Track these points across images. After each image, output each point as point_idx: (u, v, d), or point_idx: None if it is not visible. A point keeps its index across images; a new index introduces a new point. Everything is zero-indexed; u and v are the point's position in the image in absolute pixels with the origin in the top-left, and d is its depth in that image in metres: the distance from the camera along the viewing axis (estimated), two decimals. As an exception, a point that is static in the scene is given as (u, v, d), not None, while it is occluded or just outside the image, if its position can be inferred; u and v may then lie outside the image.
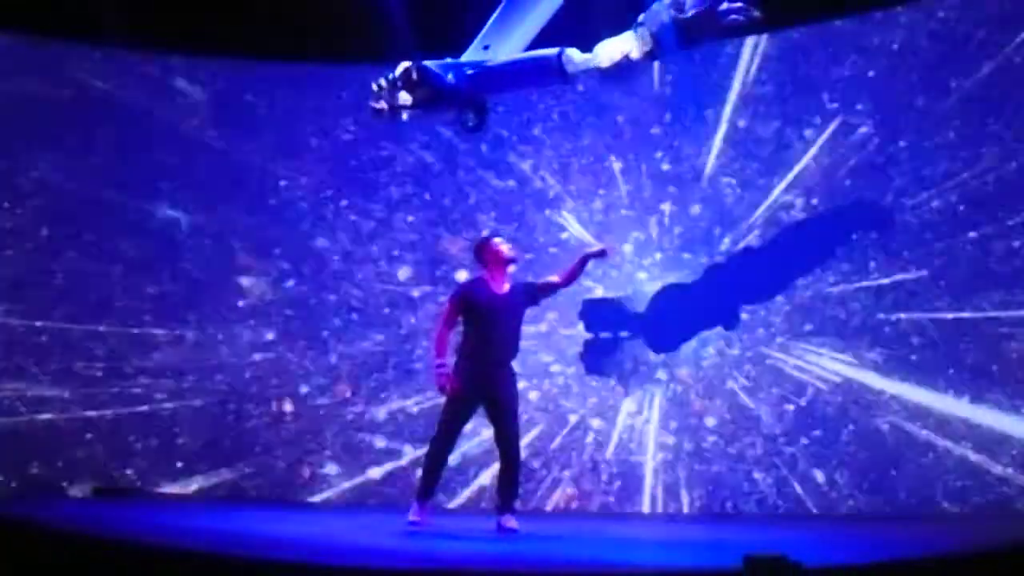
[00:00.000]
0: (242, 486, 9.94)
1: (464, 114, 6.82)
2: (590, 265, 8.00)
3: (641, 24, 6.41)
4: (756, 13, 6.21)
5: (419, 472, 7.73)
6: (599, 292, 9.73)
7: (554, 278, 7.90)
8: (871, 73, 9.10)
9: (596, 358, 9.75)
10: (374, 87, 6.69)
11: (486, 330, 7.54)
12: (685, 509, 9.11)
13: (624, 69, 6.61)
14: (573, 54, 6.61)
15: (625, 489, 9.37)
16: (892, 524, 8.04)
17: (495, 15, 6.62)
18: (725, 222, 9.53)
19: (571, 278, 7.86)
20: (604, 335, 9.80)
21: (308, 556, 5.88)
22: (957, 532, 7.37)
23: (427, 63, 6.67)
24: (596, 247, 8.03)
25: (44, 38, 10.03)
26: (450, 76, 6.76)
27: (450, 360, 7.57)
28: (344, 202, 10.40)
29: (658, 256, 9.74)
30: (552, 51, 6.65)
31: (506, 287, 7.73)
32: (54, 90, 10.15)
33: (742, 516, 8.88)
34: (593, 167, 9.96)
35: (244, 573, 5.39)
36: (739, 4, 6.19)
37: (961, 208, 8.63)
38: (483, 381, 7.49)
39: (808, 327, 9.13)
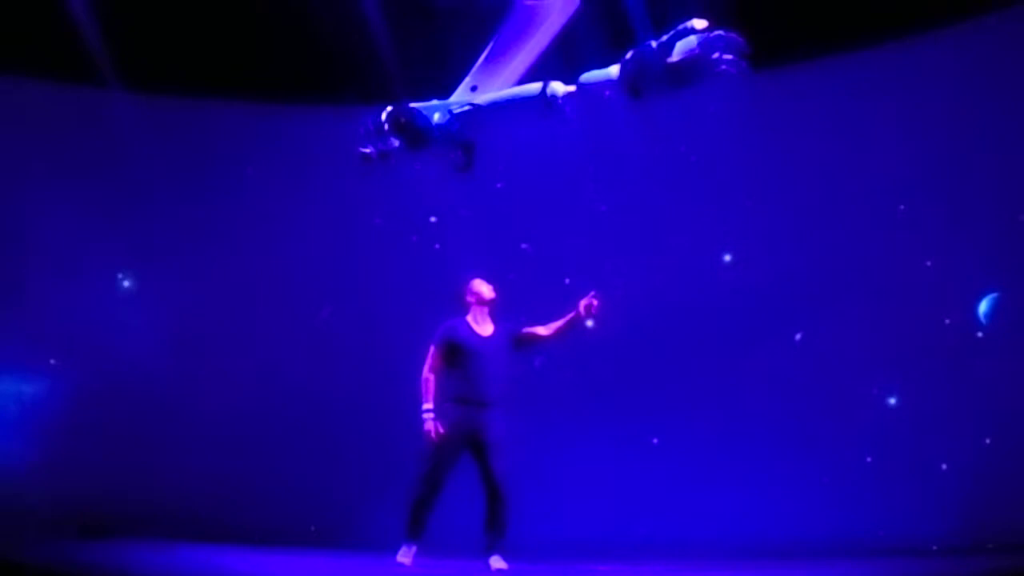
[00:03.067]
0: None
1: (452, 154, 6.74)
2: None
3: (627, 61, 6.36)
4: (746, 65, 6.15)
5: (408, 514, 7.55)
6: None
7: (541, 330, 7.77)
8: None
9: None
10: (361, 131, 6.61)
11: (470, 371, 7.49)
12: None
13: (606, 103, 6.56)
14: (556, 86, 6.54)
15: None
16: None
17: (482, 56, 6.55)
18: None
19: (559, 335, 7.72)
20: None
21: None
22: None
23: (413, 105, 6.59)
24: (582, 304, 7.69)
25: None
26: (437, 117, 6.68)
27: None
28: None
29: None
30: (537, 85, 6.59)
31: (490, 328, 7.70)
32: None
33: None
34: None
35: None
36: (730, 57, 6.12)
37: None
38: (468, 424, 7.42)
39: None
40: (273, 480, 10.05)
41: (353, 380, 10.32)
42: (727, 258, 10.31)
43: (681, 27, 6.22)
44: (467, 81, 6.60)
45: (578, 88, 6.51)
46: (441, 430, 7.40)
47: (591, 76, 6.51)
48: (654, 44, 6.28)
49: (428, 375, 7.57)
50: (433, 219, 10.67)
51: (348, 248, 10.70)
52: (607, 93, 6.47)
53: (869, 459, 9.45)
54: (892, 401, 9.60)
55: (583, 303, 7.62)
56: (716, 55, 6.05)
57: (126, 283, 10.61)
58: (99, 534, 8.94)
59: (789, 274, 9.94)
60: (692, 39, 6.17)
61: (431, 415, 7.44)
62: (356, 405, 10.24)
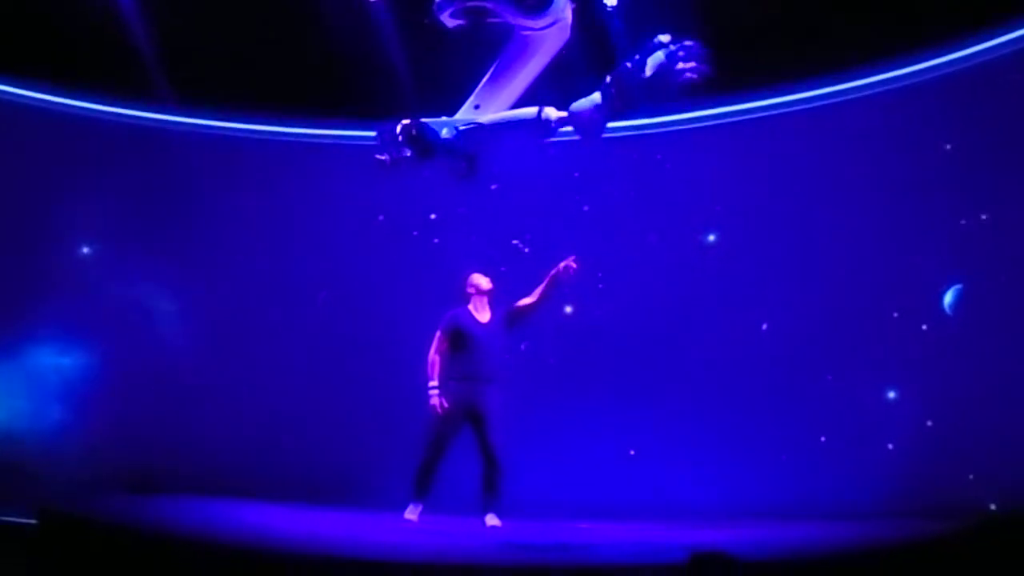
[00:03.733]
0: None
1: (456, 164, 7.53)
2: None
3: (609, 84, 7.08)
4: (707, 70, 6.77)
5: (415, 476, 8.52)
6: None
7: (527, 300, 8.69)
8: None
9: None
10: (376, 140, 7.39)
11: (470, 354, 8.52)
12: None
13: (597, 125, 7.28)
14: (550, 112, 7.30)
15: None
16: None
17: (485, 78, 7.33)
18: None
19: (543, 299, 8.63)
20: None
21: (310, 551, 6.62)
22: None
23: (424, 120, 7.39)
24: (561, 265, 8.61)
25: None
26: (444, 132, 7.46)
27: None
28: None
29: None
30: (533, 110, 7.36)
31: (488, 315, 8.70)
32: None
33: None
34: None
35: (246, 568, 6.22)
36: (692, 64, 6.82)
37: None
38: (468, 399, 8.44)
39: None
40: (294, 446, 11.02)
41: (361, 360, 11.25)
42: (710, 238, 11.21)
43: (650, 44, 6.93)
44: (471, 100, 7.35)
45: (569, 115, 7.25)
46: (446, 404, 8.40)
47: (579, 104, 7.24)
48: (629, 65, 6.97)
49: (434, 357, 8.59)
50: (433, 216, 11.57)
51: (355, 243, 11.58)
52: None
53: (823, 438, 10.29)
54: (834, 382, 10.44)
55: (562, 264, 8.55)
56: (680, 65, 6.76)
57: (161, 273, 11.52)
58: (144, 491, 9.86)
59: (762, 264, 10.80)
60: (659, 53, 6.79)
61: (436, 391, 8.47)
62: (364, 382, 11.19)
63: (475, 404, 8.49)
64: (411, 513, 8.46)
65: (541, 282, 8.65)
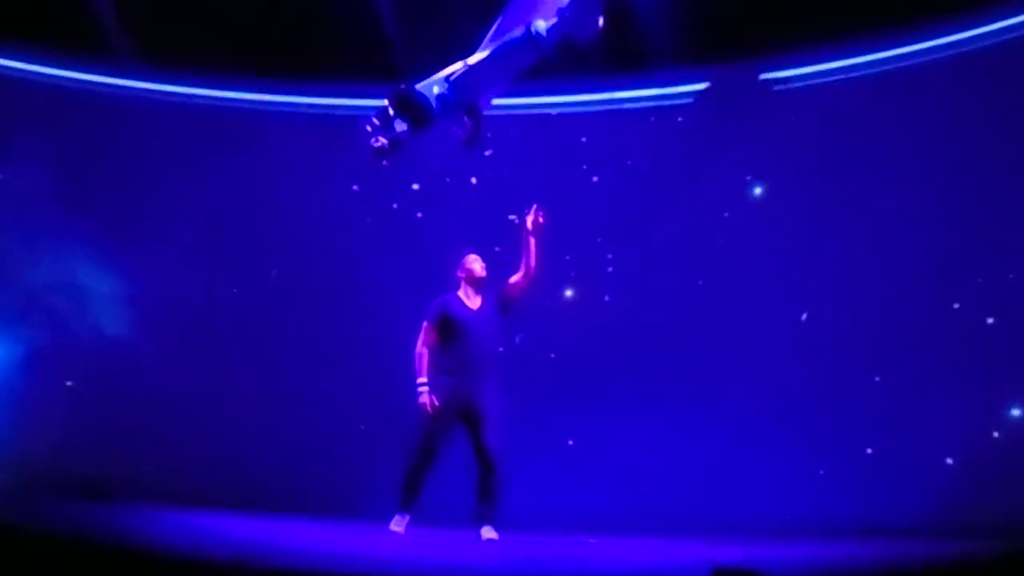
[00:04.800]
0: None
1: (459, 124, 8.19)
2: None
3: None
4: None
5: (402, 484, 9.15)
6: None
7: (515, 279, 9.34)
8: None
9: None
10: (368, 128, 8.06)
11: (462, 346, 9.21)
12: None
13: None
14: (539, 24, 7.94)
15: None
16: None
17: (486, 39, 8.03)
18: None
19: (528, 265, 9.25)
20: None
21: (294, 564, 7.03)
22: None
23: (412, 85, 8.06)
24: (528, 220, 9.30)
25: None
26: (436, 89, 8.16)
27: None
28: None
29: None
30: (519, 29, 8.03)
31: (479, 303, 9.39)
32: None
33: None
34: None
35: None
36: None
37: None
38: (461, 397, 9.12)
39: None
40: (263, 449, 11.84)
41: (336, 353, 12.11)
42: (725, 214, 11.90)
43: None
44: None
45: (558, 17, 7.90)
46: (436, 403, 9.11)
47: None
48: None
49: (422, 349, 9.28)
50: (416, 187, 12.34)
51: (326, 218, 12.39)
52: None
53: (869, 450, 11.02)
54: (883, 384, 11.06)
55: (528, 220, 9.25)
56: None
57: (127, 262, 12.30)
58: (102, 497, 10.61)
59: (791, 251, 11.51)
60: None
61: (426, 388, 9.15)
62: (340, 376, 12.02)
63: (469, 401, 9.16)
64: (397, 525, 9.08)
65: (521, 255, 9.30)
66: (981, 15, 10.88)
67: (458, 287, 9.53)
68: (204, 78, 12.63)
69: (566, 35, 7.72)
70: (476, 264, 9.52)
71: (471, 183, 12.04)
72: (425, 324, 9.38)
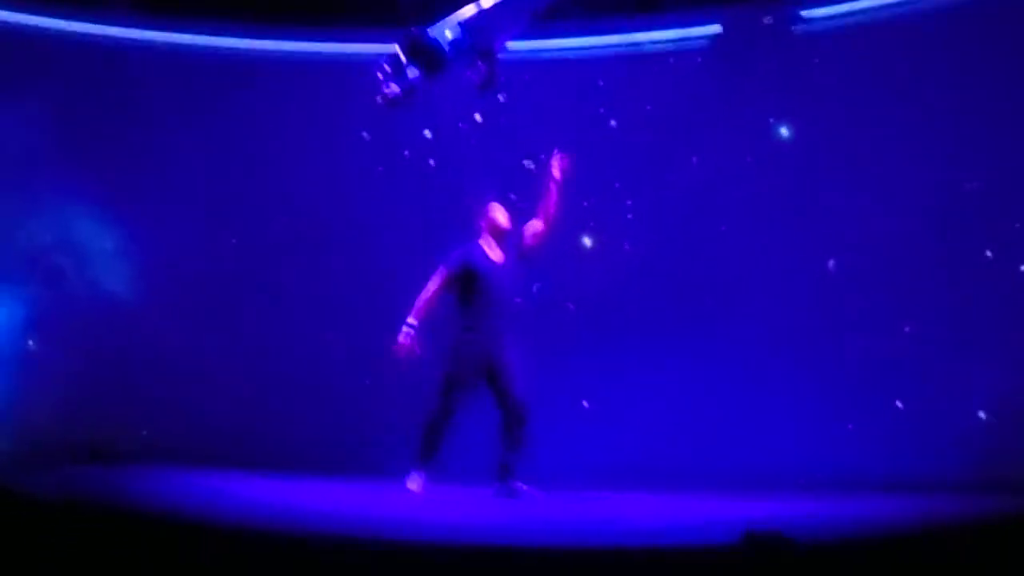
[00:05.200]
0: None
1: (473, 68, 7.99)
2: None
3: None
4: None
5: (419, 440, 8.99)
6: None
7: (533, 224, 9.14)
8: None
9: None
10: (379, 75, 7.84)
11: (485, 301, 8.99)
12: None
13: None
14: None
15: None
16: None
17: None
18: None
19: (548, 212, 9.07)
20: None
21: (305, 526, 6.99)
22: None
23: (423, 29, 7.85)
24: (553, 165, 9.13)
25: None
26: (448, 34, 7.96)
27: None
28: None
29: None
30: None
31: (501, 255, 9.15)
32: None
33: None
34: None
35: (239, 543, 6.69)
36: None
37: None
38: (485, 352, 8.93)
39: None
40: (274, 406, 11.81)
41: (348, 307, 11.99)
42: (747, 159, 11.68)
43: None
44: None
45: None
46: (417, 351, 8.89)
47: None
48: None
49: (431, 294, 8.99)
50: (428, 133, 12.12)
51: (335, 167, 12.22)
52: None
53: (899, 403, 10.80)
54: (913, 335, 10.89)
55: (555, 166, 9.07)
56: None
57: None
58: (109, 459, 10.51)
59: (816, 197, 11.32)
60: None
61: (412, 331, 8.90)
62: (351, 331, 11.88)
63: (492, 356, 8.96)
64: (413, 482, 8.88)
65: (540, 201, 9.13)
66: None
67: (479, 236, 9.26)
68: (205, 25, 12.41)
69: None
70: (500, 214, 9.27)
71: (485, 128, 11.82)
72: (443, 270, 9.10)
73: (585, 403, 11.61)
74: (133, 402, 11.76)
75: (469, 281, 9.05)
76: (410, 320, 8.95)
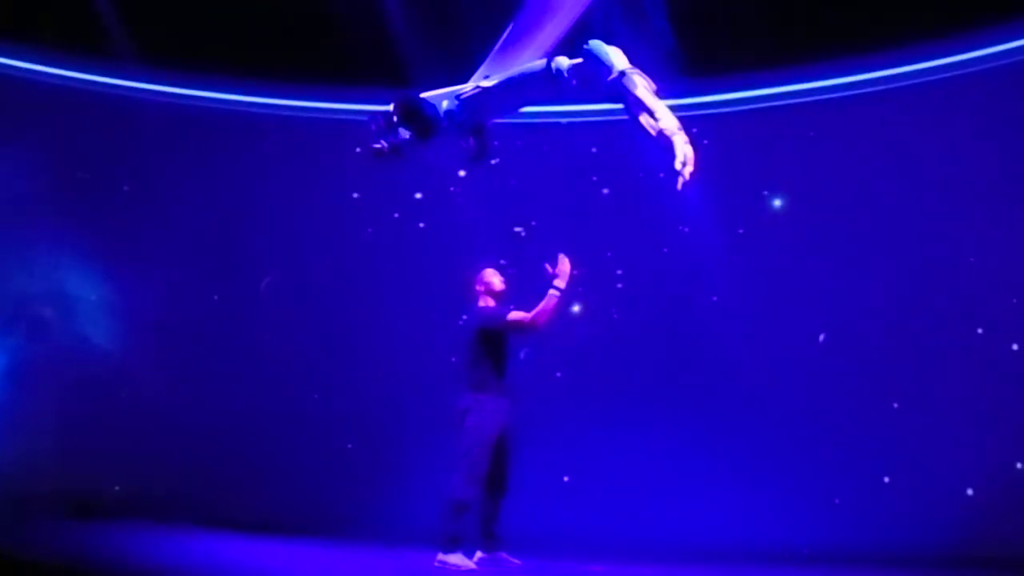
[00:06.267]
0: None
1: (464, 140, 8.17)
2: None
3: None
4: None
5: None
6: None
7: (521, 316, 9.04)
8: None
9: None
10: (372, 127, 8.02)
11: (502, 360, 9.16)
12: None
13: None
14: (561, 60, 7.93)
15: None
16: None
17: (497, 45, 8.00)
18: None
19: (541, 318, 8.95)
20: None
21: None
22: None
23: (421, 95, 8.04)
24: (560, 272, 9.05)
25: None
26: (445, 104, 8.13)
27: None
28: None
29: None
30: (541, 61, 8.02)
31: None
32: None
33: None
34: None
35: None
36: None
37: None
38: (506, 414, 9.05)
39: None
40: (264, 467, 11.87)
41: (334, 365, 12.10)
42: (739, 231, 11.90)
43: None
44: (481, 70, 8.04)
45: (584, 57, 7.87)
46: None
47: (600, 46, 7.87)
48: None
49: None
50: (419, 196, 12.33)
51: (325, 226, 12.39)
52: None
53: (887, 479, 11.00)
54: (902, 411, 11.04)
55: (559, 268, 8.99)
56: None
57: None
58: (91, 516, 10.60)
59: (807, 270, 11.51)
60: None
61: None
62: (338, 390, 12.01)
63: (508, 420, 9.09)
64: (464, 561, 8.75)
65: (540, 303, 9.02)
66: (1000, 32, 10.91)
67: (476, 300, 9.43)
68: (201, 80, 12.65)
69: (585, 78, 7.66)
70: (495, 278, 9.46)
71: (477, 192, 11.98)
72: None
73: (566, 478, 11.71)
74: (112, 457, 11.82)
75: (493, 342, 9.16)
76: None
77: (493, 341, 9.14)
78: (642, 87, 7.17)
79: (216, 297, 12.47)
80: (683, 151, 6.82)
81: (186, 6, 11.59)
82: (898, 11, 10.72)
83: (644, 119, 7.12)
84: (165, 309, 12.23)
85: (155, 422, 11.92)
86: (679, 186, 6.62)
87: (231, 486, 11.70)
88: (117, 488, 11.83)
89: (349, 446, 12.00)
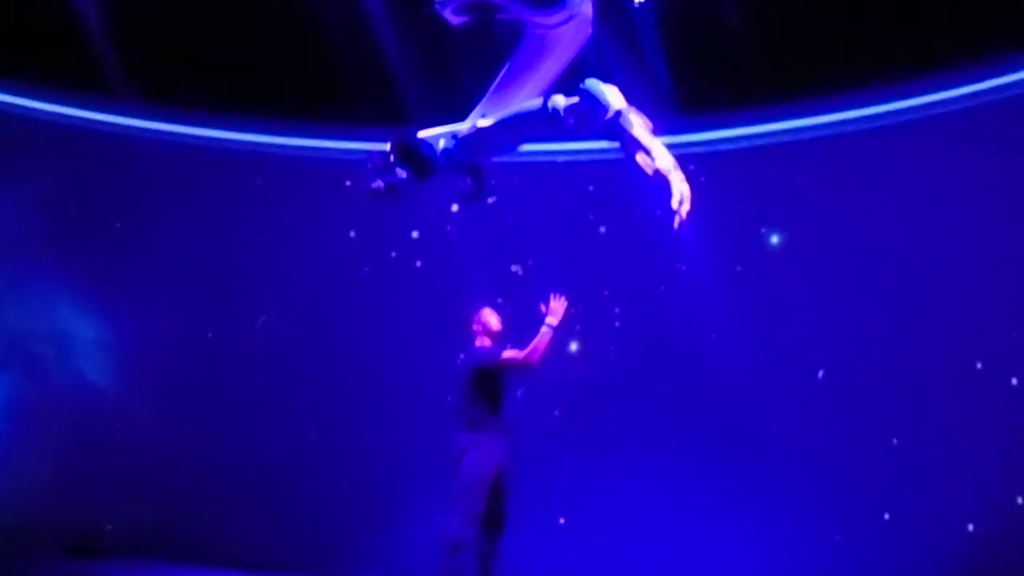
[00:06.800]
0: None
1: (460, 180, 8.25)
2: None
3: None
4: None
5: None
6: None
7: (514, 354, 9.19)
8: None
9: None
10: (368, 166, 8.09)
11: (499, 399, 9.22)
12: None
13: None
14: (558, 99, 7.99)
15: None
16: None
17: (493, 85, 8.09)
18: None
19: (534, 356, 9.09)
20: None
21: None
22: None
23: (418, 134, 8.12)
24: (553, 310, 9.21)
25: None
26: (442, 143, 8.21)
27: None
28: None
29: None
30: (537, 100, 8.08)
31: None
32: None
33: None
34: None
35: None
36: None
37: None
38: (503, 454, 9.12)
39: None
40: (258, 506, 11.92)
41: (328, 405, 12.16)
42: (737, 268, 12.00)
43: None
44: (477, 110, 8.12)
45: (580, 96, 7.92)
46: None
47: (596, 85, 7.93)
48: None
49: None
50: (415, 234, 12.43)
51: (321, 264, 12.48)
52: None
53: (887, 516, 11.03)
54: (902, 447, 11.08)
55: (552, 307, 9.15)
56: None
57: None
58: (85, 553, 10.63)
59: (806, 307, 11.58)
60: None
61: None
62: (334, 430, 12.08)
63: (508, 465, 9.15)
64: None
65: (532, 340, 9.15)
66: (993, 67, 11.02)
67: (474, 340, 9.51)
68: (198, 117, 12.79)
69: (582, 117, 7.70)
70: (492, 317, 9.55)
71: (473, 231, 12.03)
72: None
73: (562, 520, 11.76)
74: (107, 494, 11.83)
75: (491, 383, 9.24)
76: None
77: (488, 380, 9.21)
78: (638, 126, 7.20)
79: (210, 335, 12.56)
80: (679, 190, 6.85)
81: (182, 43, 11.67)
82: (894, 47, 10.83)
83: (640, 158, 7.15)
84: (160, 347, 12.33)
85: (149, 460, 11.96)
86: (676, 225, 6.66)
87: (226, 524, 11.75)
88: (109, 527, 11.85)
89: (345, 485, 12.04)
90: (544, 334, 9.07)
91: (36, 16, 11.46)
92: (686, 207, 6.84)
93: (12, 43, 11.66)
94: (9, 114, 12.59)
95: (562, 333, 9.28)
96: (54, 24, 11.40)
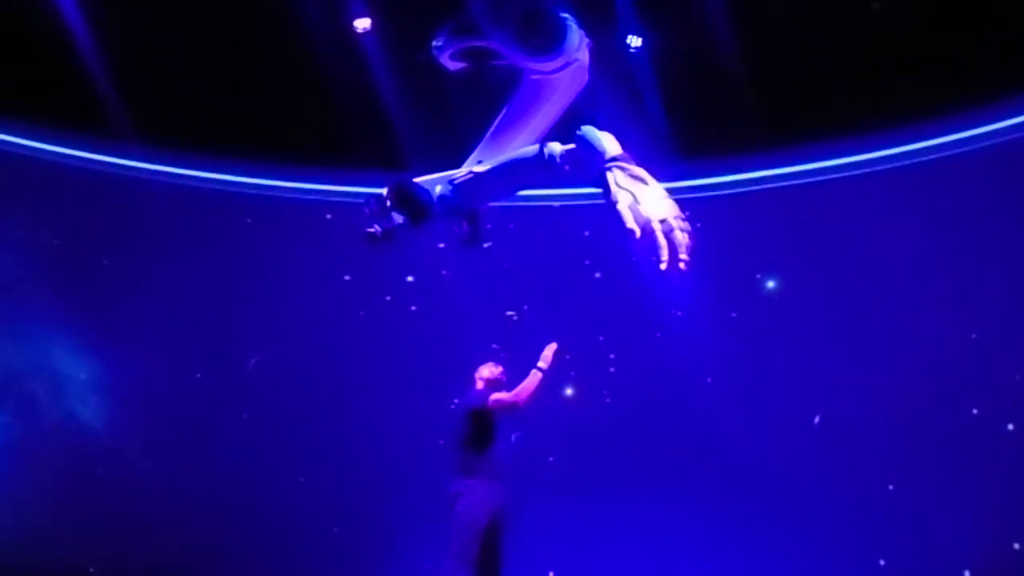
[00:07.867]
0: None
1: (457, 226, 8.39)
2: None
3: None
4: None
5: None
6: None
7: (503, 396, 9.23)
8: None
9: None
10: (365, 210, 8.24)
11: (491, 444, 9.27)
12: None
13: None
14: (554, 146, 8.13)
15: None
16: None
17: (489, 131, 8.25)
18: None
19: (524, 397, 9.14)
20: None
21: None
22: None
23: (414, 180, 8.27)
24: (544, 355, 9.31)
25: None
26: (438, 189, 8.35)
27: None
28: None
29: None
30: (534, 147, 8.22)
31: None
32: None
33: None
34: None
35: None
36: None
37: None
38: (501, 504, 9.16)
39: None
40: (248, 550, 11.98)
41: (322, 450, 12.27)
42: (733, 314, 12.19)
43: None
44: (474, 155, 8.27)
45: (577, 142, 8.05)
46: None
47: (592, 132, 8.07)
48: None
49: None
50: (410, 279, 12.58)
51: (316, 308, 12.60)
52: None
53: (882, 562, 11.21)
54: (897, 492, 11.30)
55: (547, 354, 9.24)
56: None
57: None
58: None
59: (802, 353, 11.77)
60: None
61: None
62: (326, 474, 12.17)
63: (504, 508, 9.19)
64: None
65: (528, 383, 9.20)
66: (988, 113, 11.27)
67: (473, 387, 9.60)
68: (195, 160, 12.95)
69: (578, 164, 7.82)
70: (496, 369, 9.59)
71: (468, 275, 12.15)
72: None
73: (551, 574, 11.87)
74: (96, 535, 11.94)
75: (487, 427, 9.29)
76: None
77: (481, 424, 9.31)
78: (631, 176, 7.34)
79: (199, 375, 12.69)
80: (673, 241, 7.01)
81: (181, 88, 11.84)
82: (890, 94, 11.03)
83: (622, 209, 7.30)
84: (152, 388, 12.44)
85: (139, 501, 12.06)
86: (664, 269, 6.83)
87: (215, 566, 11.85)
88: (92, 570, 11.99)
89: (336, 529, 12.17)
90: (534, 375, 9.21)
91: (38, 58, 11.59)
92: (684, 256, 7.00)
93: (14, 84, 11.81)
94: (9, 154, 12.74)
95: (553, 377, 9.37)
96: (56, 66, 11.52)
